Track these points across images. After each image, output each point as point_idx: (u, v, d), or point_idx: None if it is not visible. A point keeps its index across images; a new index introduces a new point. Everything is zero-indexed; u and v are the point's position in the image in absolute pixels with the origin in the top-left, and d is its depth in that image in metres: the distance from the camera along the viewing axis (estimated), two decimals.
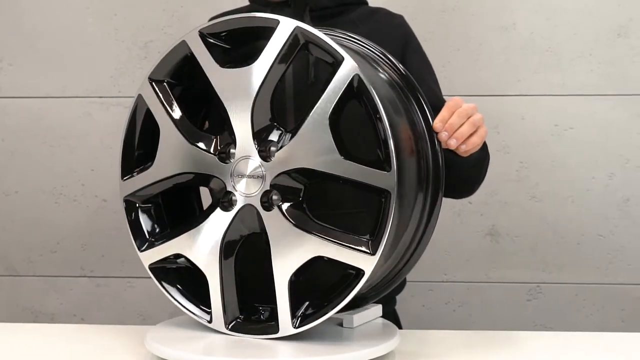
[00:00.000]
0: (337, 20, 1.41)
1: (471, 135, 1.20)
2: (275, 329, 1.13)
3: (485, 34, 2.03)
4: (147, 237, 1.23)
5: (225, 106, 1.14)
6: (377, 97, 1.05)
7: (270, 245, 1.12)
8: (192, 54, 1.17)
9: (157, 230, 1.24)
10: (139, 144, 1.24)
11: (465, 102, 1.20)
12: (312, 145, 1.09)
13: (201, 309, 1.20)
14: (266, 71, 1.11)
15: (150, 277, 1.23)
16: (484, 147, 1.34)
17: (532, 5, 2.01)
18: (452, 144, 1.18)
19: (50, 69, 2.12)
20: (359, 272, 1.07)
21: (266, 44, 1.12)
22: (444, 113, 1.19)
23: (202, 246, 1.17)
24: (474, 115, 1.19)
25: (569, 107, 2.01)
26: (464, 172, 1.33)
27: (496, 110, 2.02)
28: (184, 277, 1.23)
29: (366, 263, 1.06)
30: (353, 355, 1.08)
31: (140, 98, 1.22)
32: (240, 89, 1.13)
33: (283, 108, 1.26)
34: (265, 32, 1.13)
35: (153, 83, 1.21)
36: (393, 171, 1.04)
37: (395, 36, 1.43)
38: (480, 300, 2.08)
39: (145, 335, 1.17)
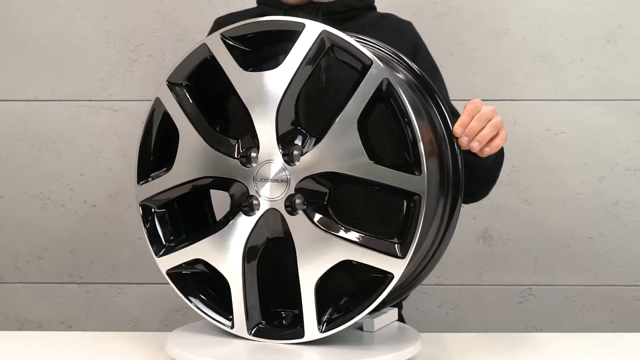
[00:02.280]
0: (347, 25, 1.41)
1: (493, 138, 1.20)
2: (301, 334, 1.12)
3: (478, 39, 2.05)
4: (164, 242, 1.22)
5: (249, 109, 1.14)
6: (407, 100, 1.06)
7: (296, 250, 1.11)
8: (212, 56, 1.16)
9: (174, 235, 1.23)
10: (155, 148, 1.22)
11: (484, 105, 1.20)
12: (339, 149, 1.09)
13: (221, 314, 1.19)
14: (292, 75, 1.11)
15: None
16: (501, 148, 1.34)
17: (524, 11, 2.04)
18: (475, 146, 1.18)
19: (39, 71, 2.08)
20: (387, 276, 1.08)
21: (289, 47, 1.11)
22: (464, 117, 1.18)
23: (224, 251, 1.16)
24: (494, 119, 1.19)
25: (560, 112, 2.05)
26: (483, 173, 1.33)
27: None
28: (203, 282, 1.22)
29: (395, 266, 1.07)
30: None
31: (158, 101, 1.20)
32: (265, 93, 1.12)
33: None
34: (287, 35, 1.13)
35: (171, 86, 1.19)
36: (424, 174, 1.05)
37: (404, 42, 1.44)
38: (473, 303, 2.10)
39: (166, 340, 1.16)
